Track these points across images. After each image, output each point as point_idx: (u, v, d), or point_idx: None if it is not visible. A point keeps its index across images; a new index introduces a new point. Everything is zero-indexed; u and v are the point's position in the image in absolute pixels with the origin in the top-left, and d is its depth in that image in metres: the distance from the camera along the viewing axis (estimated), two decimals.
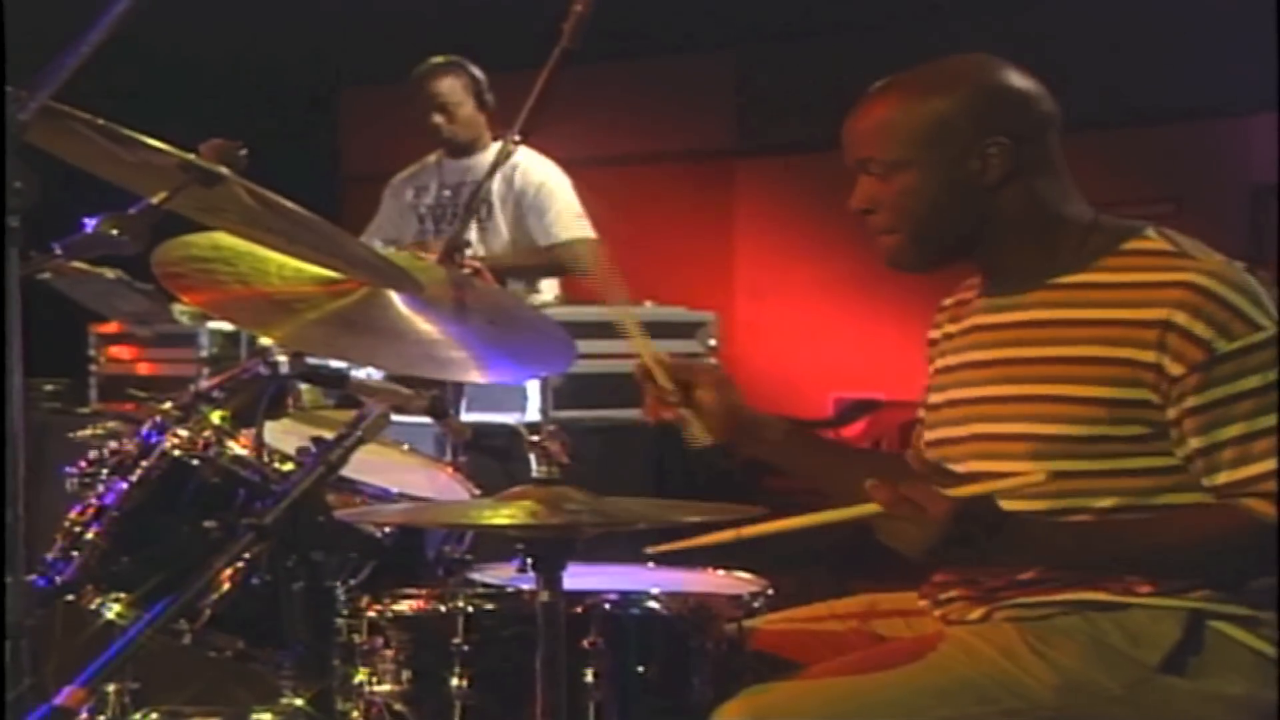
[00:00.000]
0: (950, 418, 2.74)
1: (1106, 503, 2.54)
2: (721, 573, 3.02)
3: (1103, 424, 2.52)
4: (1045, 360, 2.59)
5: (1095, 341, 2.53)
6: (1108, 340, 2.52)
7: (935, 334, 2.87)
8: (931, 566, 2.67)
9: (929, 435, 2.80)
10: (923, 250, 2.68)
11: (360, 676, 2.70)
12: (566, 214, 6.09)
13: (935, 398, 2.80)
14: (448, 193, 6.26)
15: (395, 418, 2.70)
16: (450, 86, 6.12)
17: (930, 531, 2.34)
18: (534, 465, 2.50)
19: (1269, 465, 2.44)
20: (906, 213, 2.64)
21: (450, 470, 3.41)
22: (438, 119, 6.12)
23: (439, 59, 6.14)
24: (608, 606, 2.64)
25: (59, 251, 2.24)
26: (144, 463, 2.95)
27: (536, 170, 6.11)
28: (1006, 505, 2.53)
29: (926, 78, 2.67)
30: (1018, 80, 2.65)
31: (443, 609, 2.68)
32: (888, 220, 2.66)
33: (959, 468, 2.68)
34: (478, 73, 6.14)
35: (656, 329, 5.15)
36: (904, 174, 2.62)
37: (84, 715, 2.92)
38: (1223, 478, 2.47)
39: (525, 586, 2.62)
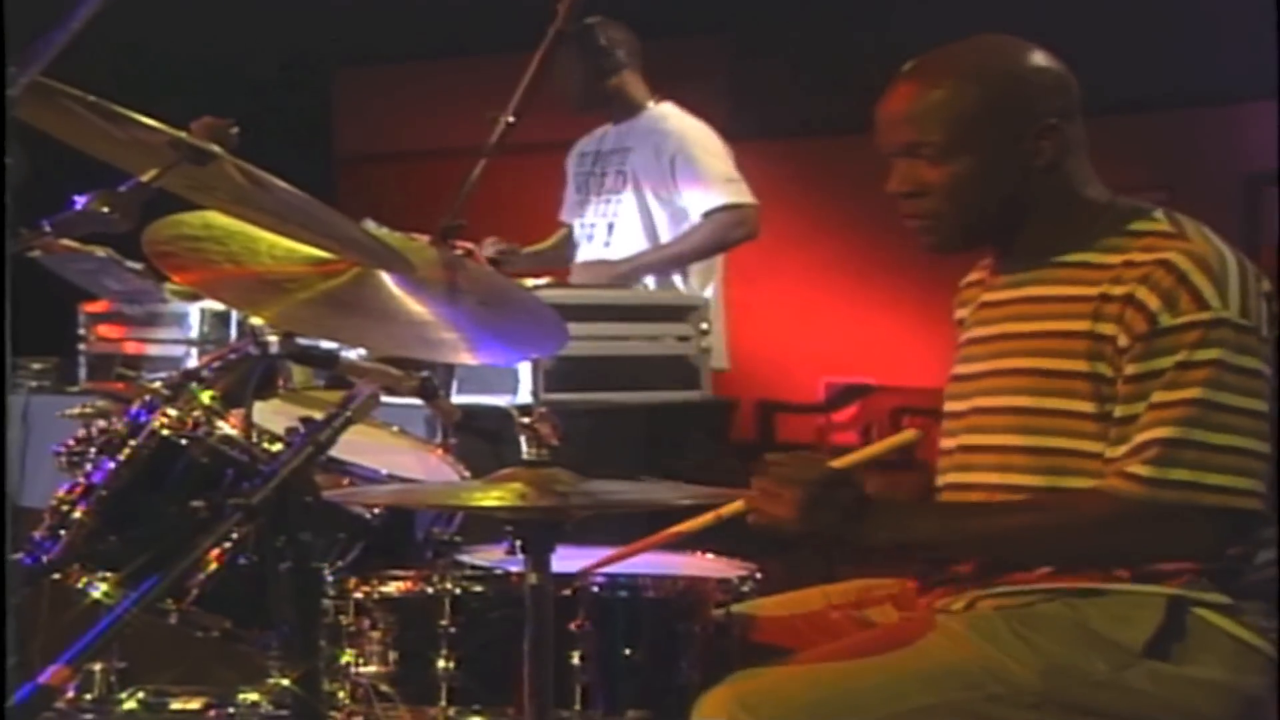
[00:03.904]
0: (954, 392, 2.78)
1: (1081, 482, 2.56)
2: (710, 556, 3.02)
3: (1078, 399, 2.55)
4: (1034, 335, 2.62)
5: (1078, 317, 2.56)
6: (1086, 315, 2.55)
7: (960, 313, 2.89)
8: (814, 544, 2.67)
9: (944, 407, 2.82)
10: (966, 234, 2.69)
11: (347, 658, 2.70)
12: (717, 177, 5.64)
13: (950, 373, 2.83)
14: (600, 161, 5.85)
15: (385, 399, 2.70)
16: (565, 62, 5.49)
17: (793, 495, 2.46)
18: (524, 447, 2.49)
19: (1148, 436, 2.46)
20: (958, 197, 2.63)
21: (440, 452, 3.40)
22: (569, 92, 5.68)
23: (591, 20, 5.52)
24: (595, 589, 2.64)
25: (48, 229, 2.23)
26: (132, 442, 2.94)
27: (677, 130, 5.72)
28: (981, 478, 2.59)
29: (967, 59, 2.67)
30: (1052, 61, 2.67)
31: (430, 591, 2.68)
32: (936, 204, 2.65)
33: (956, 441, 2.73)
34: (604, 42, 5.65)
35: (649, 312, 5.17)
36: (959, 158, 2.61)
37: (70, 694, 2.92)
38: (1117, 449, 2.49)
39: (513, 569, 2.62)
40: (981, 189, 2.63)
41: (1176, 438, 2.45)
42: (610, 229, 5.76)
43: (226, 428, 2.94)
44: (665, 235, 5.71)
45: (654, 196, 5.70)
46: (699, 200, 5.65)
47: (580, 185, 5.93)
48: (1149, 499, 2.46)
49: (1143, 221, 2.61)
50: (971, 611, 2.61)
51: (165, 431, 2.94)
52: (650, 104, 5.79)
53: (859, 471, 2.57)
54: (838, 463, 2.55)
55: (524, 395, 4.59)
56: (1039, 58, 2.66)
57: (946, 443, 2.77)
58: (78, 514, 2.90)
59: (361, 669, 2.69)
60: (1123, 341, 2.50)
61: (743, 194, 5.67)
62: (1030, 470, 2.59)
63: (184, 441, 2.93)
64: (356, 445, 2.87)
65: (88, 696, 2.98)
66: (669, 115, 5.79)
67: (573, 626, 2.60)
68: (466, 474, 3.24)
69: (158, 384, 3.04)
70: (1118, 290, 2.52)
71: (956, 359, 2.81)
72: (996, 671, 2.51)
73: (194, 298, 5.08)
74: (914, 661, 2.54)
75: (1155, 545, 2.51)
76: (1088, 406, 2.54)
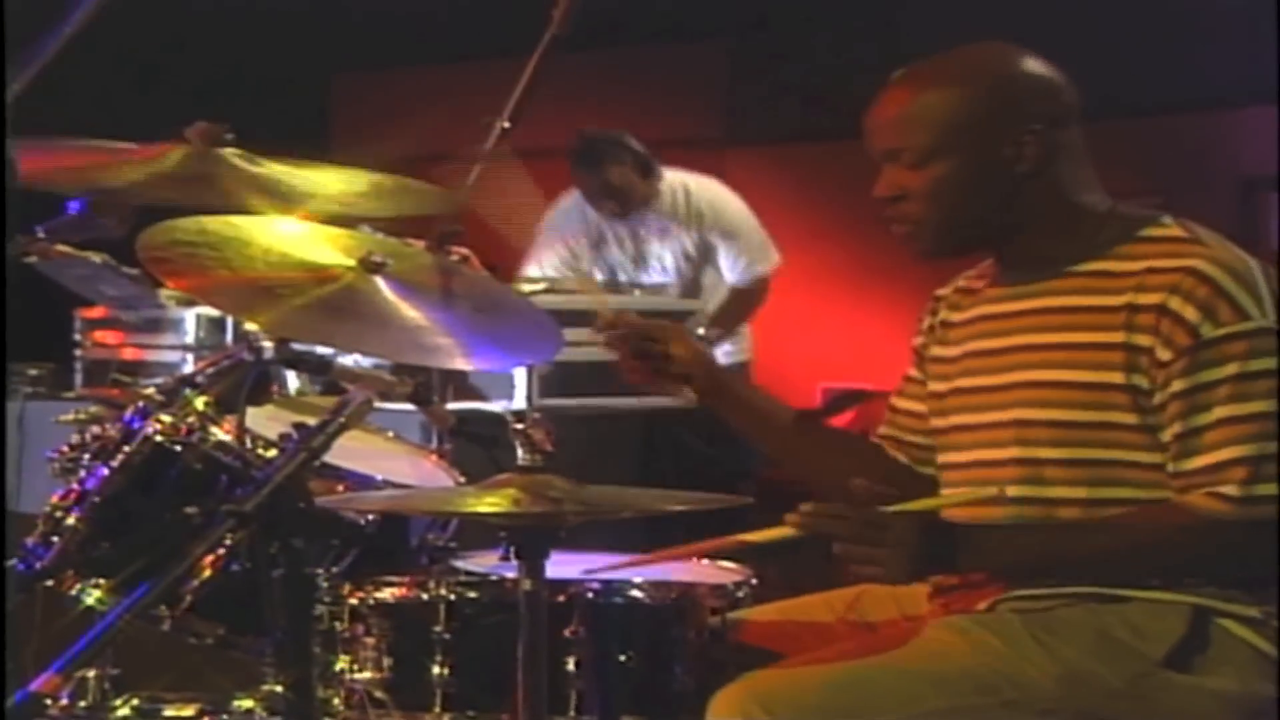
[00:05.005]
0: (960, 405, 2.74)
1: (1123, 493, 2.54)
2: (706, 562, 3.02)
3: (1112, 410, 2.53)
4: (1062, 346, 2.59)
5: (1103, 328, 2.54)
6: (1117, 326, 2.53)
7: (931, 320, 2.87)
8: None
9: (937, 422, 2.79)
10: (949, 238, 2.68)
11: (341, 664, 2.70)
12: (760, 243, 6.11)
13: (939, 386, 2.80)
14: (630, 243, 6.14)
15: (382, 404, 2.69)
16: (621, 175, 5.95)
17: (901, 559, 2.43)
18: (519, 453, 2.48)
19: (1231, 454, 2.45)
20: (938, 201, 2.63)
21: (434, 457, 3.40)
22: (613, 206, 6.01)
23: (598, 140, 5.93)
24: (590, 595, 2.64)
25: (42, 234, 2.23)
26: (126, 448, 2.93)
27: (721, 204, 6.09)
28: (1012, 492, 2.58)
29: (953, 66, 2.66)
30: (1043, 68, 2.66)
31: (424, 597, 2.68)
32: (917, 209, 2.64)
33: (971, 455, 2.70)
34: (636, 145, 5.99)
35: (646, 318, 5.17)
36: (938, 162, 2.61)
37: (64, 701, 2.92)
38: (1190, 464, 2.48)
39: (508, 574, 2.61)
40: (961, 194, 2.62)
41: (1259, 454, 2.44)
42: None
43: (220, 434, 2.94)
44: (708, 297, 5.98)
45: (701, 264, 6.07)
46: (751, 266, 6.09)
47: (617, 267, 6.16)
48: (1241, 517, 2.44)
49: (1154, 227, 2.60)
50: (991, 614, 2.60)
51: (159, 438, 2.93)
52: (660, 184, 6.05)
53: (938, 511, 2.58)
54: (913, 507, 2.52)
55: (519, 400, 4.59)
56: (1028, 64, 2.65)
57: (956, 457, 2.74)
58: (71, 520, 2.90)
59: (356, 675, 2.69)
60: (1163, 355, 2.48)
61: (775, 253, 6.18)
62: (1069, 482, 2.57)
63: (178, 448, 2.93)
64: (351, 451, 2.86)
65: (82, 703, 2.98)
66: (693, 187, 6.10)
67: (567, 633, 2.60)
68: (461, 479, 3.24)
69: (152, 390, 3.03)
70: (1146, 299, 2.50)
71: (952, 372, 2.77)
72: (1012, 676, 2.50)
73: (190, 303, 5.08)
74: (930, 664, 2.53)
75: (1243, 561, 2.50)
76: (1127, 418, 2.52)
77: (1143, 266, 2.54)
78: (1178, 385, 2.48)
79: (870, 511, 2.46)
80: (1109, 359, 2.53)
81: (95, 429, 3.03)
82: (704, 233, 6.01)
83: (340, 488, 2.92)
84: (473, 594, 2.68)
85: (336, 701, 2.69)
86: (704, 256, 6.05)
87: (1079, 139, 2.66)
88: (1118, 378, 2.52)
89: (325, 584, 2.75)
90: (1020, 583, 2.60)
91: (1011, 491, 2.60)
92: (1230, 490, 2.44)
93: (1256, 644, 2.51)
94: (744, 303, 6.09)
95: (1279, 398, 2.45)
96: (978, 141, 2.60)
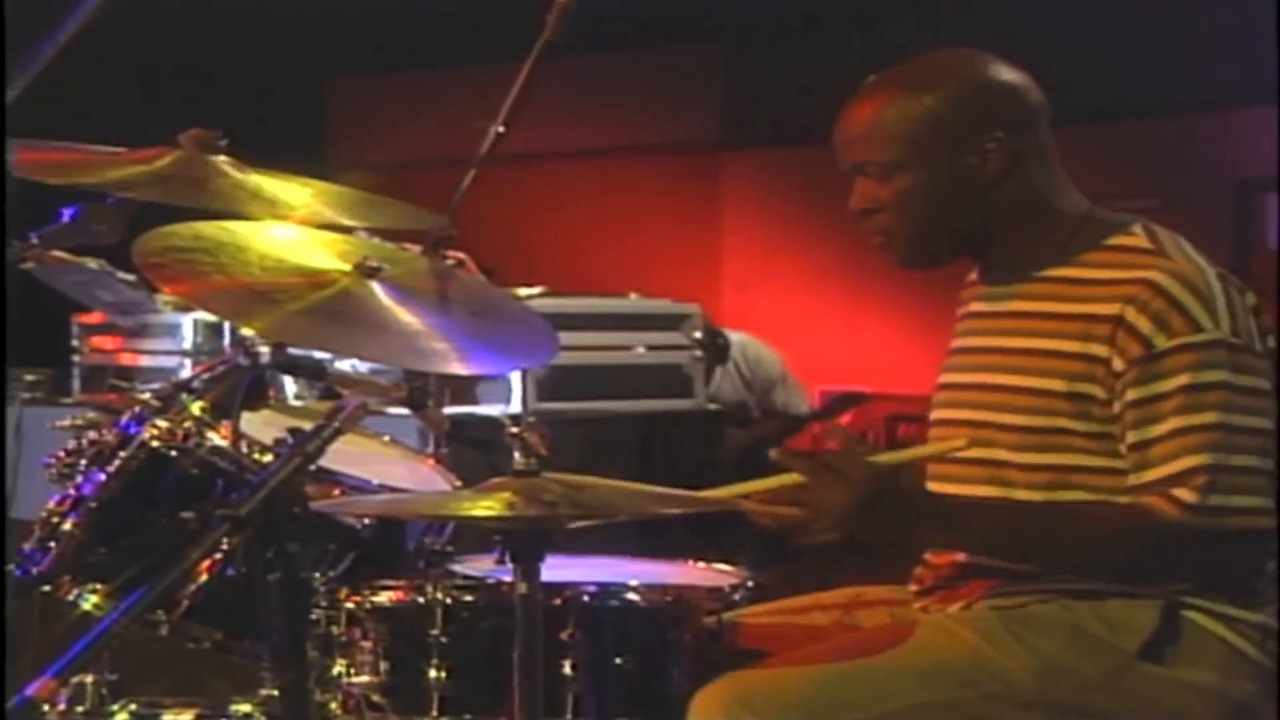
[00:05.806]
0: (945, 400, 2.78)
1: (1080, 496, 2.56)
2: (702, 565, 3.02)
3: (1065, 417, 2.55)
4: (1021, 351, 2.62)
5: (1064, 335, 2.57)
6: (1074, 335, 2.56)
7: (960, 310, 2.88)
8: (858, 544, 2.65)
9: (932, 414, 2.82)
10: (927, 248, 2.70)
11: (338, 668, 2.70)
12: (794, 390, 6.78)
13: (940, 378, 2.84)
14: None
15: (378, 409, 2.69)
16: None
17: (847, 494, 2.43)
18: (515, 457, 2.49)
19: (1188, 463, 2.46)
20: (909, 213, 2.65)
21: (431, 461, 3.40)
22: None
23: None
24: (586, 598, 2.64)
25: (36, 241, 2.24)
26: (122, 453, 2.93)
27: (763, 364, 6.71)
28: (979, 490, 2.61)
29: (915, 76, 2.67)
30: (1006, 73, 2.67)
31: (421, 600, 2.68)
32: (891, 221, 2.67)
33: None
34: (710, 330, 6.21)
35: (641, 321, 5.18)
36: (903, 175, 2.63)
37: (62, 706, 2.92)
38: (1148, 475, 2.50)
39: (505, 578, 2.62)
40: (929, 204, 2.64)
41: (1213, 464, 2.46)
42: None
43: (216, 439, 2.93)
44: None
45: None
46: (790, 408, 6.77)
47: None
48: (1194, 524, 2.46)
49: (1121, 236, 2.61)
50: (969, 612, 2.62)
51: (156, 443, 2.93)
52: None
53: (909, 470, 2.61)
54: (885, 458, 2.55)
55: (515, 404, 4.59)
56: (990, 69, 2.67)
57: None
58: (68, 525, 2.90)
59: (353, 679, 2.69)
60: (1118, 365, 2.50)
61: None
62: (1028, 486, 2.59)
63: (174, 453, 2.93)
64: (347, 455, 2.87)
65: (79, 709, 2.97)
66: (735, 354, 6.61)
67: (564, 636, 2.60)
68: (458, 483, 3.24)
69: (148, 395, 3.03)
70: (1104, 310, 2.52)
71: (945, 366, 2.81)
72: (992, 670, 2.53)
73: (187, 308, 5.08)
74: (910, 658, 2.55)
75: (1197, 568, 2.52)
76: (1079, 425, 2.55)
77: (1105, 276, 2.56)
78: (1131, 395, 2.50)
79: (834, 456, 2.49)
80: (1065, 367, 2.56)
81: (92, 434, 3.03)
82: (752, 390, 6.59)
83: (336, 492, 2.92)
84: (469, 598, 2.69)
85: (333, 705, 2.69)
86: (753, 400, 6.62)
87: (1048, 143, 2.68)
88: (1072, 386, 2.55)
89: (321, 588, 2.75)
90: (985, 568, 2.62)
91: (979, 491, 2.64)
92: (1186, 496, 2.46)
93: (1232, 641, 2.54)
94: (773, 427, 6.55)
95: (1232, 410, 2.47)
96: (940, 152, 2.62)
